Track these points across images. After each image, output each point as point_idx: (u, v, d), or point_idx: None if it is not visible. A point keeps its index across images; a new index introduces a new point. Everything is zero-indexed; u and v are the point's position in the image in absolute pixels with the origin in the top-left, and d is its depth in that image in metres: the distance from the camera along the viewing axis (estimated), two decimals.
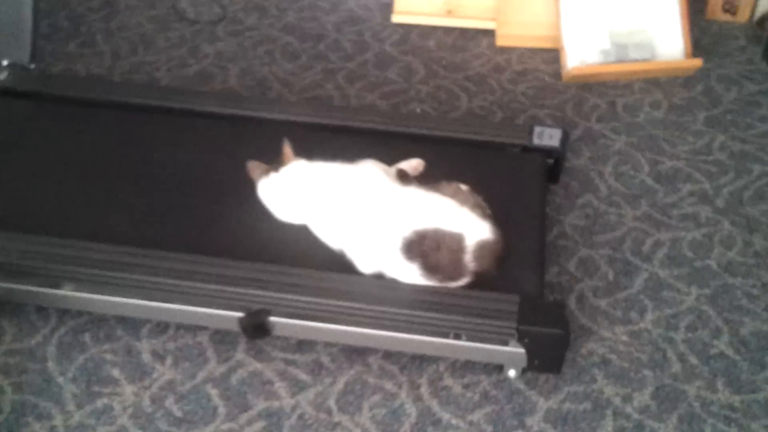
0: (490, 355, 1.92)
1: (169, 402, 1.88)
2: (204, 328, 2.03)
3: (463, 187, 2.05)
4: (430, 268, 1.89)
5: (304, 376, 1.95)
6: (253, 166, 2.14)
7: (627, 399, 1.91)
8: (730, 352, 2.02)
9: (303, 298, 1.90)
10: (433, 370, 1.96)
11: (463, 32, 3.21)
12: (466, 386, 1.93)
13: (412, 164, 2.23)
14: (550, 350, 1.89)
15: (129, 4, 3.36)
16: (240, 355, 1.99)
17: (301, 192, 2.07)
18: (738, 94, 2.91)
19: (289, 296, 1.91)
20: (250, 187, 2.13)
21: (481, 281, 1.92)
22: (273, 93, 2.89)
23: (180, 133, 2.43)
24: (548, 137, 2.40)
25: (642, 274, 2.22)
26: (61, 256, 1.98)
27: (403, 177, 2.12)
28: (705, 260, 2.27)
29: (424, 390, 1.92)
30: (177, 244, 2.02)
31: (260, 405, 1.88)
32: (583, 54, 2.97)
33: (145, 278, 1.94)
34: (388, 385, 1.93)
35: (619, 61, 2.97)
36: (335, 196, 2.02)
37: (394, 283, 1.93)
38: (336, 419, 1.86)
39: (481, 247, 1.89)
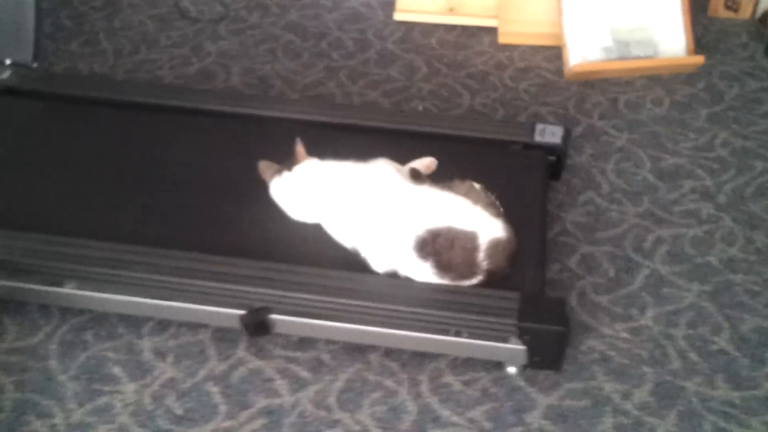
0: (491, 352, 1.92)
1: (170, 400, 1.89)
2: (205, 326, 2.04)
3: (476, 185, 2.06)
4: (443, 266, 1.89)
5: (304, 374, 1.95)
6: (265, 166, 2.14)
7: (626, 395, 1.91)
8: (730, 348, 2.02)
9: (304, 296, 1.91)
10: (434, 367, 1.97)
11: (465, 30, 3.21)
12: (466, 383, 1.93)
13: (425, 163, 2.24)
14: (551, 347, 1.89)
15: (131, 3, 3.37)
16: (241, 352, 1.99)
17: (314, 191, 2.07)
18: (740, 91, 2.90)
19: (290, 294, 1.91)
20: (254, 185, 2.13)
21: (493, 280, 1.92)
22: (275, 91, 2.89)
23: (182, 131, 2.44)
24: (550, 134, 2.41)
25: (643, 270, 2.22)
26: (63, 254, 1.98)
27: (416, 176, 2.13)
28: (706, 257, 2.27)
29: (425, 387, 1.92)
30: (179, 243, 2.03)
31: (261, 402, 1.89)
32: (585, 51, 2.96)
33: (146, 276, 1.94)
34: (389, 383, 1.94)
35: (621, 58, 2.96)
36: (349, 195, 2.02)
37: (394, 281, 1.94)
38: (336, 416, 1.86)
39: (494, 246, 1.89)
